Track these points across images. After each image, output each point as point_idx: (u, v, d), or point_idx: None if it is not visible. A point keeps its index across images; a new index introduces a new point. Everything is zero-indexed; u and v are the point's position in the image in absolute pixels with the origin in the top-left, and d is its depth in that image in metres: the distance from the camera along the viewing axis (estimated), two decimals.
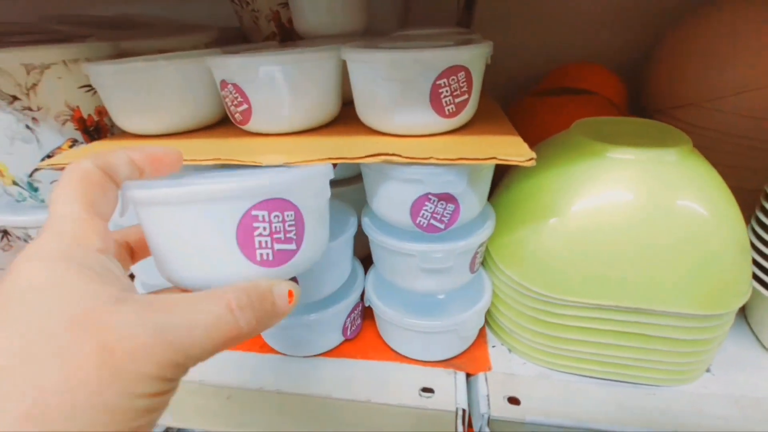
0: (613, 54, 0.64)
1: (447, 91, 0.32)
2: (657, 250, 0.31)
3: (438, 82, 0.31)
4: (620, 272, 0.32)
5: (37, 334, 0.14)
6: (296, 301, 0.20)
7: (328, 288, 0.38)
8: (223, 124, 0.42)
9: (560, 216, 0.34)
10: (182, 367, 0.16)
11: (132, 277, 0.42)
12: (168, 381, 0.16)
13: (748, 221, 0.38)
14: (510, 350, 0.40)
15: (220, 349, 0.17)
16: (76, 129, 0.41)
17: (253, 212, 0.20)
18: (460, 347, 0.40)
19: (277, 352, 0.41)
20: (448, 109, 0.33)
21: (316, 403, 0.36)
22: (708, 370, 0.37)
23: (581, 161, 0.34)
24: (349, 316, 0.40)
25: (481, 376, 0.37)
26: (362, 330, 0.43)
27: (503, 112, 0.41)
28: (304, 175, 0.23)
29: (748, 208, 0.36)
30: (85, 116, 0.41)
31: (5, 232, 0.45)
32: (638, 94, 0.59)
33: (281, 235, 0.21)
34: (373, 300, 0.39)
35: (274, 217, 0.21)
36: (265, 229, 0.21)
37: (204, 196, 0.20)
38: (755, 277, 0.36)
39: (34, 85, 0.37)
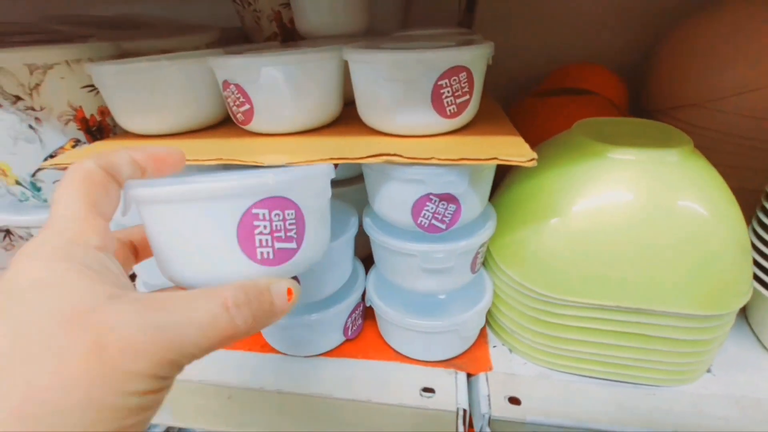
0: (614, 54, 0.64)
1: (448, 92, 0.32)
2: (658, 250, 0.31)
3: (440, 83, 0.31)
4: (621, 272, 0.32)
5: (30, 331, 0.14)
6: (296, 299, 0.20)
7: (329, 288, 0.38)
8: (224, 124, 0.42)
9: (561, 216, 0.34)
10: (176, 365, 0.16)
11: (134, 277, 0.42)
12: (162, 379, 0.15)
13: (749, 221, 0.38)
14: (511, 350, 0.40)
15: (216, 347, 0.17)
16: (79, 129, 0.41)
17: (254, 210, 0.20)
18: (461, 347, 0.40)
19: (278, 352, 0.41)
20: (450, 110, 0.33)
21: (317, 403, 0.36)
22: (708, 371, 0.37)
23: (582, 162, 0.34)
24: (350, 316, 0.40)
25: (481, 376, 0.37)
26: (363, 330, 0.43)
27: (504, 112, 0.41)
28: (305, 174, 0.23)
29: (749, 208, 0.37)
30: (88, 116, 0.41)
31: (8, 232, 0.45)
32: (639, 95, 0.59)
33: (282, 234, 0.21)
34: (374, 300, 0.39)
35: (275, 215, 0.21)
36: (265, 227, 0.21)
37: (205, 194, 0.20)
38: (756, 277, 0.36)
39: (37, 85, 0.37)
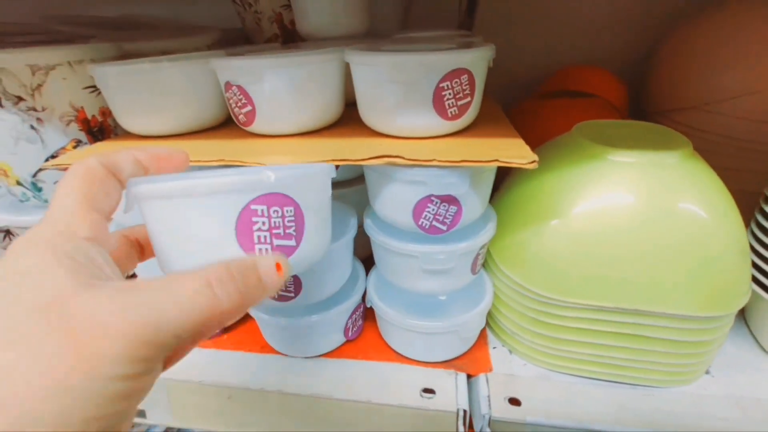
0: (614, 56, 0.64)
1: (450, 94, 0.32)
2: (657, 252, 0.31)
3: (441, 85, 0.31)
4: (621, 274, 0.32)
5: (3, 320, 0.14)
6: (287, 272, 0.20)
7: (329, 289, 0.38)
8: (226, 125, 0.42)
9: (561, 218, 0.34)
10: (156, 345, 0.15)
11: (134, 276, 0.42)
12: (142, 361, 0.15)
13: (748, 224, 0.38)
14: (511, 351, 0.40)
15: (200, 324, 0.16)
16: (80, 129, 0.41)
17: (252, 206, 0.20)
18: (461, 348, 0.40)
19: (278, 353, 0.41)
20: (451, 112, 0.33)
21: (318, 404, 0.36)
22: (708, 372, 0.37)
23: (582, 164, 0.34)
24: (350, 316, 0.40)
25: (482, 377, 0.37)
26: (363, 331, 0.43)
27: (505, 114, 0.41)
28: (305, 171, 0.23)
29: (748, 210, 0.37)
30: (89, 117, 0.41)
31: (8, 232, 0.45)
32: (638, 97, 0.59)
33: (280, 231, 0.21)
34: (375, 301, 0.39)
35: (273, 212, 0.21)
36: (264, 223, 0.21)
37: (204, 190, 0.20)
38: (755, 279, 0.36)
39: (39, 85, 0.37)
